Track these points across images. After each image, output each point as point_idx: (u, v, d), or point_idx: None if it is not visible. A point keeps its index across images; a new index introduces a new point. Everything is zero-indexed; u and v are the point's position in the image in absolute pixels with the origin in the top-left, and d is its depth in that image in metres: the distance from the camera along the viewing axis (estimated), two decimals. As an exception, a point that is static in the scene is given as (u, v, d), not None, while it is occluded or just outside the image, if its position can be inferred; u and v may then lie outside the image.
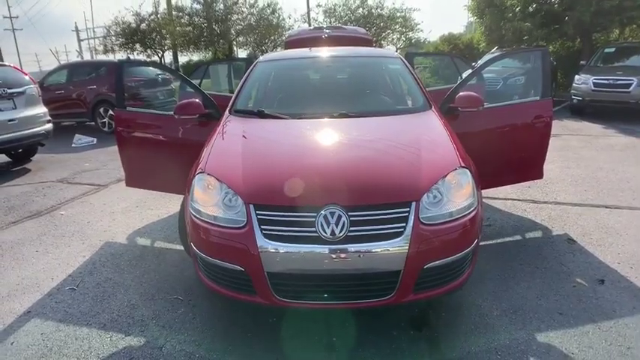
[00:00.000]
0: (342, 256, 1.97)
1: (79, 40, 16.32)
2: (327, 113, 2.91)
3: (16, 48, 51.11)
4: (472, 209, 2.18)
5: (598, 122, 8.13)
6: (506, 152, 3.40)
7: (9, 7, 42.43)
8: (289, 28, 17.05)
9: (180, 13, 15.15)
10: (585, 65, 9.97)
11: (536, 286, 2.66)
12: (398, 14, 16.46)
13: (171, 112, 3.24)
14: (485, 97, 5.17)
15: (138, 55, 15.60)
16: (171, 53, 16.14)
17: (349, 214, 1.99)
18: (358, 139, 2.56)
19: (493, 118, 3.41)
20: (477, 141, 3.24)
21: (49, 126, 6.24)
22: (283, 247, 2.00)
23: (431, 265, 2.04)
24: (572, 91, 9.26)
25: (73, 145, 7.77)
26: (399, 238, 1.98)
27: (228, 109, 3.15)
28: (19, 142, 5.81)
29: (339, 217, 1.98)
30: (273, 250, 2.00)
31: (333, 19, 15.69)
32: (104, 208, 4.39)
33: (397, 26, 17.53)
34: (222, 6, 14.98)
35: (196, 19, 14.96)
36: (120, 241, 3.57)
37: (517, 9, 11.92)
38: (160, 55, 16.39)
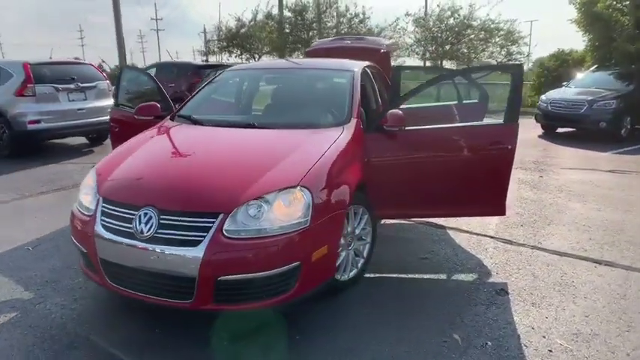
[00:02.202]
0: (145, 253, 2.10)
1: (206, 41, 18.64)
2: (241, 123, 3.05)
3: (157, 46, 60.60)
4: (296, 230, 2.11)
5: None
6: (455, 180, 3.08)
7: (156, 10, 50.48)
8: (378, 36, 17.03)
9: (270, 21, 16.26)
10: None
11: (400, 331, 2.35)
12: (498, 25, 15.17)
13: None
14: (483, 115, 4.67)
15: (235, 59, 17.22)
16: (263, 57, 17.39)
17: (161, 216, 2.12)
18: (224, 150, 2.67)
19: (441, 140, 3.11)
20: (421, 164, 3.04)
21: (114, 116, 7.41)
22: (111, 237, 2.20)
23: (228, 277, 2.03)
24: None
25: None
26: (195, 247, 2.03)
27: (171, 114, 3.48)
28: (85, 128, 7.03)
29: (150, 217, 2.13)
30: (104, 239, 2.22)
31: (422, 30, 15.23)
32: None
33: (498, 39, 16.20)
34: (312, 15, 15.68)
35: (286, 27, 15.90)
36: (95, 218, 4.16)
37: (626, 27, 10.10)
38: (256, 59, 17.82)
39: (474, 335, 2.35)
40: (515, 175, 5.86)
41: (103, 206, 2.31)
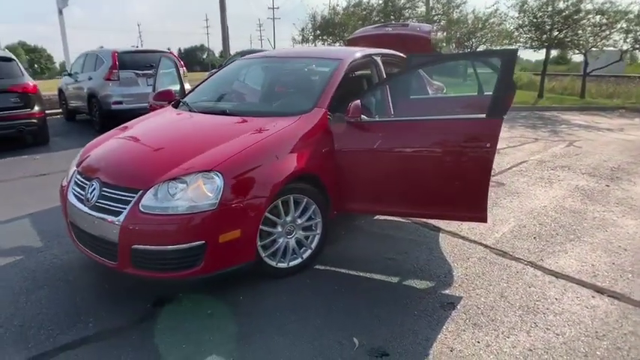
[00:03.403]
0: (89, 218, 2.43)
1: (315, 29, 19.14)
2: (216, 110, 3.24)
3: (273, 33, 64.53)
4: (203, 210, 2.25)
5: None
6: (422, 179, 2.86)
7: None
8: (481, 23, 15.70)
9: (357, 9, 16.06)
10: None
11: (305, 326, 2.30)
12: (619, 8, 12.67)
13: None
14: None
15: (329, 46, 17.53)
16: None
17: (102, 188, 2.44)
18: (178, 134, 2.91)
19: (403, 134, 2.88)
20: (382, 158, 2.92)
21: (186, 99, 8.27)
22: (74, 203, 2.59)
23: (139, 247, 2.25)
24: None
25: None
26: (117, 217, 2.30)
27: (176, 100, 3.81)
28: (160, 109, 7.98)
29: (94, 188, 2.46)
30: (72, 204, 2.62)
31: (522, 15, 13.54)
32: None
33: (626, 23, 13.54)
34: (402, 1, 15.11)
35: (374, 15, 15.58)
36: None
37: None
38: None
39: (378, 343, 2.19)
40: (576, 181, 5.08)
41: (76, 177, 2.73)
